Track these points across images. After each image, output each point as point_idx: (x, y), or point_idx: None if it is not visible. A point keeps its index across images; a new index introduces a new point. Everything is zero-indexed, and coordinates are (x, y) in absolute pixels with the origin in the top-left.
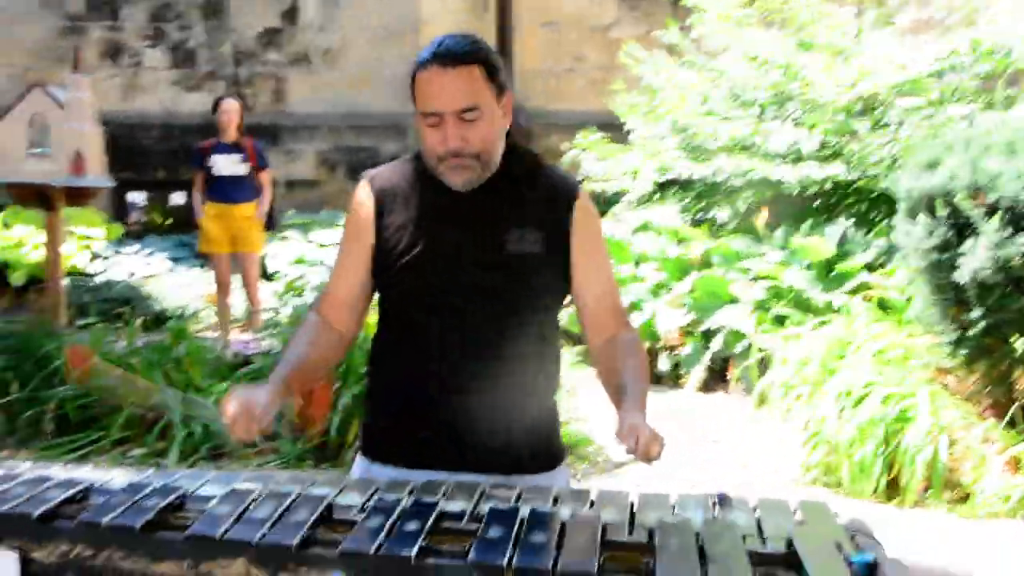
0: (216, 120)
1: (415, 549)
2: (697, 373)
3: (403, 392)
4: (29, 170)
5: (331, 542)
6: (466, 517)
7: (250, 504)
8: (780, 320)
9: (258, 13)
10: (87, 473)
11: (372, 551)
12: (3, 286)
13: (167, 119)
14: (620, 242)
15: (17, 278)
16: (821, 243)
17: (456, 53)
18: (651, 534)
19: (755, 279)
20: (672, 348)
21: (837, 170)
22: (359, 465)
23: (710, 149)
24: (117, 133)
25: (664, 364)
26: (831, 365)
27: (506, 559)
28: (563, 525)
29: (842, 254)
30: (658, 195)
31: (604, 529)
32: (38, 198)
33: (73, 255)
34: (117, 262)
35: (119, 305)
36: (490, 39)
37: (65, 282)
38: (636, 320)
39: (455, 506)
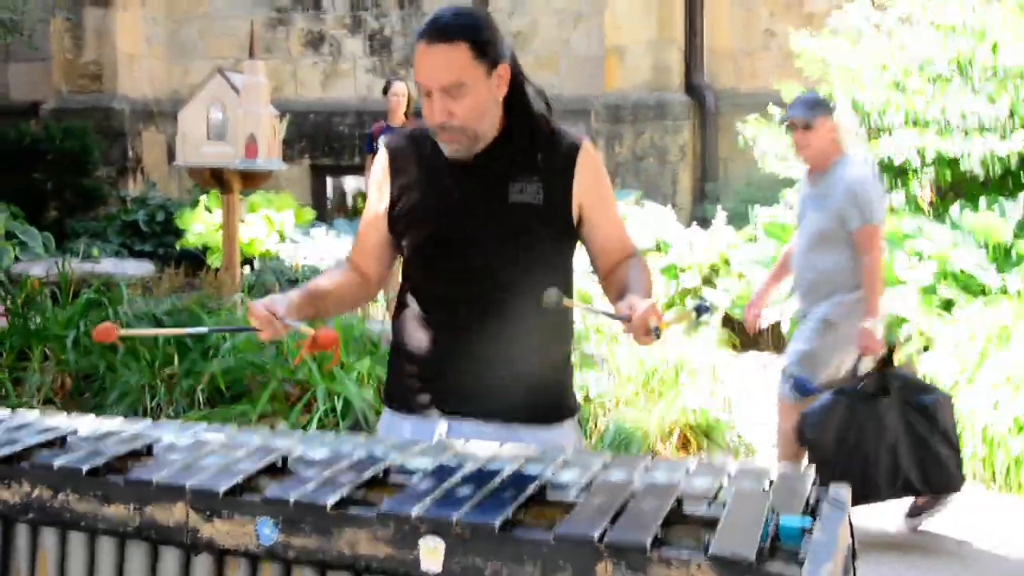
0: (386, 103)
1: (334, 499)
2: None
3: (414, 341)
4: (207, 153)
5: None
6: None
7: (206, 453)
8: (948, 304)
9: None
10: (65, 420)
11: (293, 499)
12: (205, 266)
13: (362, 105)
14: (784, 225)
15: (214, 259)
16: (999, 222)
17: (442, 30)
18: (583, 491)
19: (921, 259)
20: None
21: (1022, 144)
22: (384, 414)
23: (885, 125)
24: (316, 120)
25: None
26: (992, 351)
27: (415, 510)
28: (502, 482)
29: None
30: None
31: (544, 488)
32: (216, 180)
33: (259, 238)
34: (305, 244)
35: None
36: (678, 19)
37: (255, 262)
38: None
39: (419, 463)
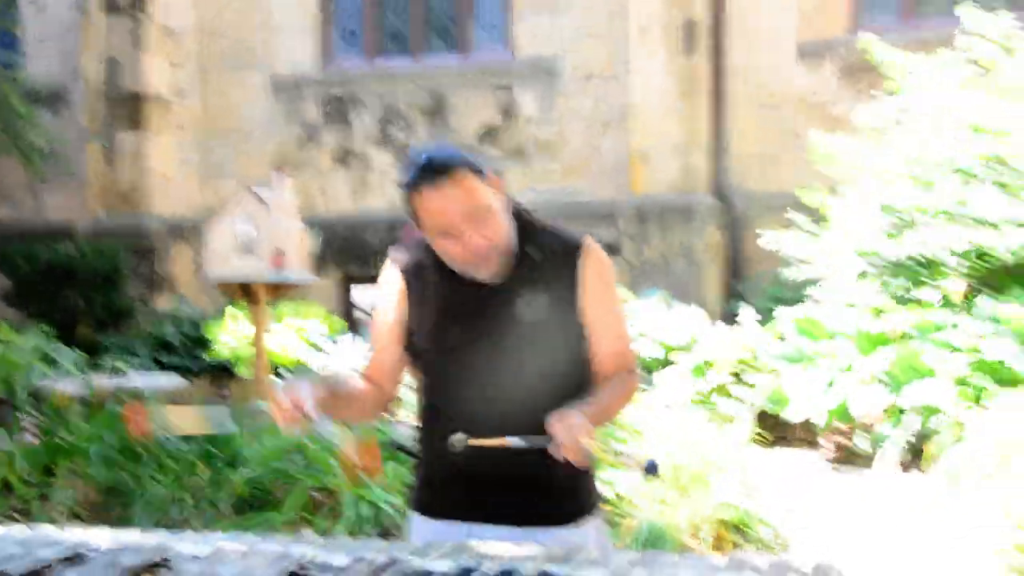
0: None
1: None
2: (889, 452)
3: (433, 450)
4: (236, 266)
5: None
6: None
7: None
8: (981, 395)
9: (477, 111)
10: (83, 534)
11: None
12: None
13: (391, 216)
14: (814, 320)
15: (243, 370)
16: None
17: (442, 168)
18: None
19: (954, 351)
20: (868, 427)
21: None
22: (410, 518)
23: (912, 221)
24: (345, 233)
25: (862, 443)
26: None
27: None
28: None
29: None
30: (859, 277)
31: None
32: (244, 293)
33: (289, 347)
34: (335, 353)
35: None
36: (703, 122)
37: (284, 372)
38: (831, 400)
39: (439, 565)
